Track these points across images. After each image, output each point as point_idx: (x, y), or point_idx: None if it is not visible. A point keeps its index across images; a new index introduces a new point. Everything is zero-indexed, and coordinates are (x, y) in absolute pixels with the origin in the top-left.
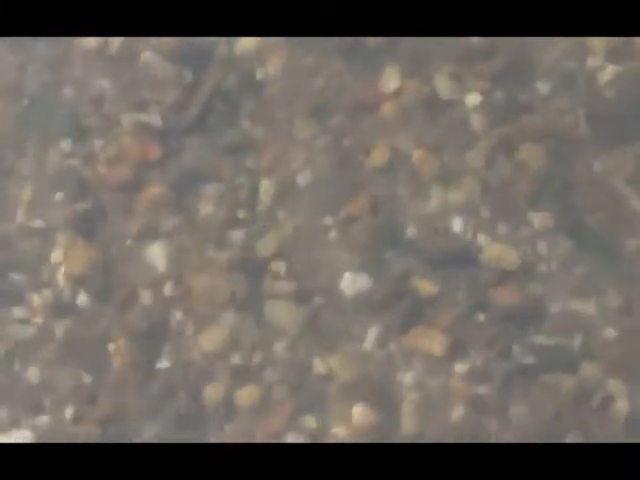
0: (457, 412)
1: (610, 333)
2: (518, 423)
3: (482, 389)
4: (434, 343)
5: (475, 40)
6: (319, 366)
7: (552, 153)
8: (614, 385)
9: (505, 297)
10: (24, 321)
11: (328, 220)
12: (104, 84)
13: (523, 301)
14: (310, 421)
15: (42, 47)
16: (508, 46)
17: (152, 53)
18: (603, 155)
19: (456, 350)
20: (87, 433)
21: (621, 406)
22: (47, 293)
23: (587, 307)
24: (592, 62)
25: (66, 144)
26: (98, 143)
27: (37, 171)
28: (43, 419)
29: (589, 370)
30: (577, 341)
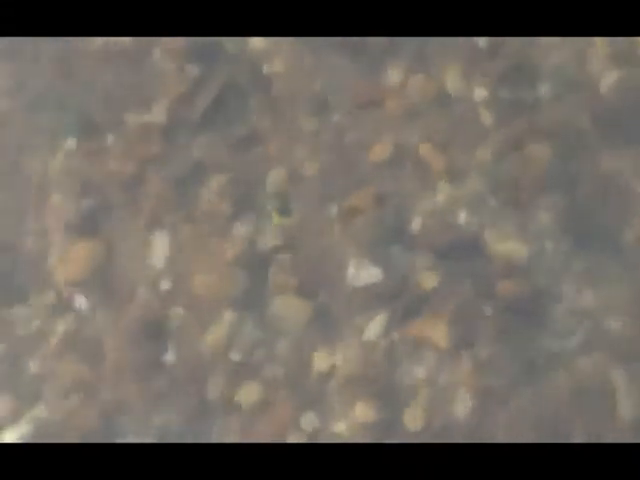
0: (463, 405)
1: (615, 327)
2: (523, 417)
3: (488, 383)
4: (438, 335)
5: (480, 39)
6: (322, 360)
7: (558, 150)
8: (618, 379)
9: (509, 291)
10: (27, 318)
11: (333, 213)
12: (111, 81)
13: (528, 295)
14: (312, 417)
15: (47, 46)
16: (513, 45)
17: (160, 50)
18: (609, 152)
19: (461, 342)
20: (88, 428)
21: (625, 401)
22: (49, 288)
23: (592, 301)
24: (595, 62)
25: (71, 142)
26: (104, 140)
27: (41, 169)
28: (44, 412)
29: (593, 364)
30: (582, 335)
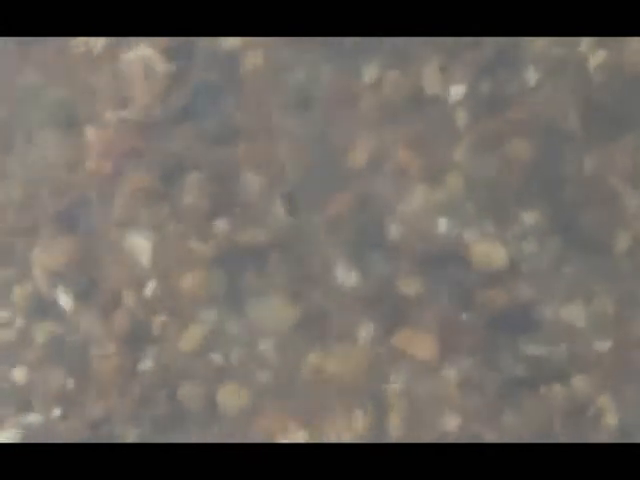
0: (448, 419)
1: (602, 341)
2: (509, 432)
3: (473, 397)
4: (422, 347)
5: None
6: (307, 367)
7: (541, 147)
8: (605, 397)
9: (493, 300)
10: (6, 323)
11: (311, 216)
12: (89, 78)
13: (511, 304)
14: (298, 426)
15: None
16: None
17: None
18: (594, 149)
19: (445, 355)
20: (73, 434)
21: (611, 418)
22: (29, 291)
23: (578, 311)
24: (581, 50)
25: (51, 138)
26: (82, 136)
27: (21, 167)
28: (30, 419)
29: (580, 381)
30: (567, 348)
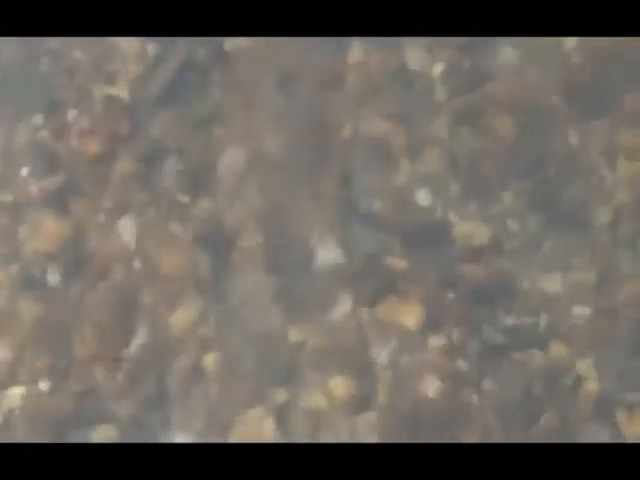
0: (432, 385)
1: (581, 311)
2: (491, 399)
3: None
4: (406, 317)
5: None
6: (290, 338)
7: (521, 124)
8: (583, 364)
9: (475, 274)
10: None
11: (297, 193)
12: (76, 57)
13: (493, 278)
14: (280, 393)
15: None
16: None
17: None
18: (575, 126)
19: (429, 325)
20: (60, 408)
21: (590, 385)
22: (16, 269)
23: (558, 283)
24: None
25: (37, 118)
26: (69, 116)
27: (7, 144)
28: (17, 393)
29: (559, 349)
30: (546, 319)
